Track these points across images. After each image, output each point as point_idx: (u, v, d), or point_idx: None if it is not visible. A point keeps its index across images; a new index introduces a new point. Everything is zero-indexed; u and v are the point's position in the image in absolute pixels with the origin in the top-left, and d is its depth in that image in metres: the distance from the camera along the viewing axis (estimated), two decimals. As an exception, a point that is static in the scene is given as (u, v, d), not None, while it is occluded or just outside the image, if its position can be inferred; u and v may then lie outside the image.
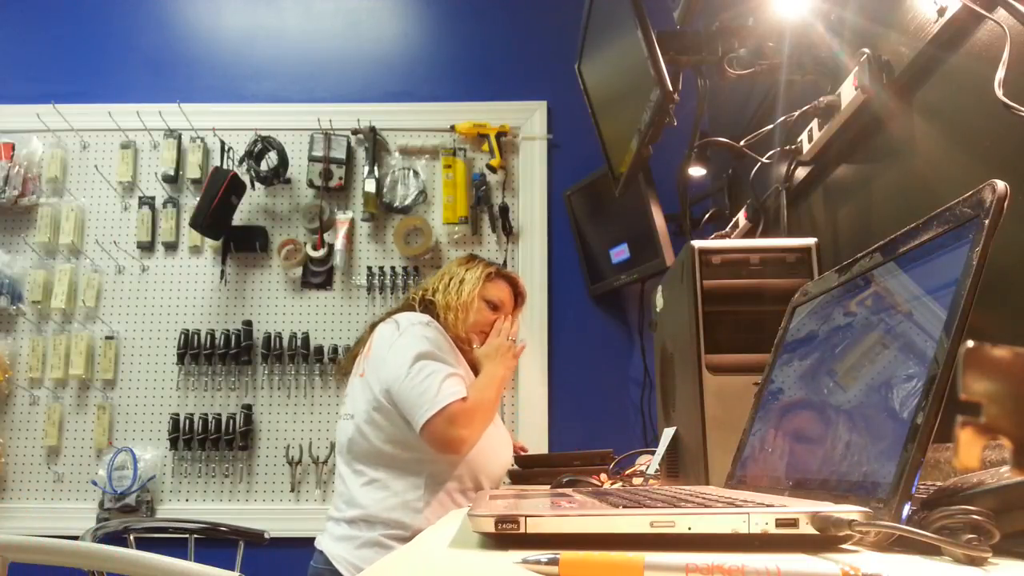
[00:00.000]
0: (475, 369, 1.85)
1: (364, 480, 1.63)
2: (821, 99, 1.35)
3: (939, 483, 0.56)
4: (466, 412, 1.55)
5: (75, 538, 1.41)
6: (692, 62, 1.44)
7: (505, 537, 0.51)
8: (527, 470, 1.77)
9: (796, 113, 1.45)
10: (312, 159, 2.69)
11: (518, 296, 1.86)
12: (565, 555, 0.43)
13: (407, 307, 1.81)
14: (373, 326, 1.80)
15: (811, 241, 1.10)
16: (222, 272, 2.67)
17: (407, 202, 2.69)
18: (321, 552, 1.64)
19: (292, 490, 2.56)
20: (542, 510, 0.52)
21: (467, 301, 1.75)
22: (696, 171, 2.19)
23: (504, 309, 1.82)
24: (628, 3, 1.36)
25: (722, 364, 1.05)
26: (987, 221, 0.50)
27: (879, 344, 0.62)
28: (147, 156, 2.76)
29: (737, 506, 0.51)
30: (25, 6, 2.86)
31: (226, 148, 2.67)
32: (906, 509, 0.48)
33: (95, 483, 2.54)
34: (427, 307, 1.77)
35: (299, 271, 2.68)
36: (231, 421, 2.58)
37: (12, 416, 2.61)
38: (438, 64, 2.84)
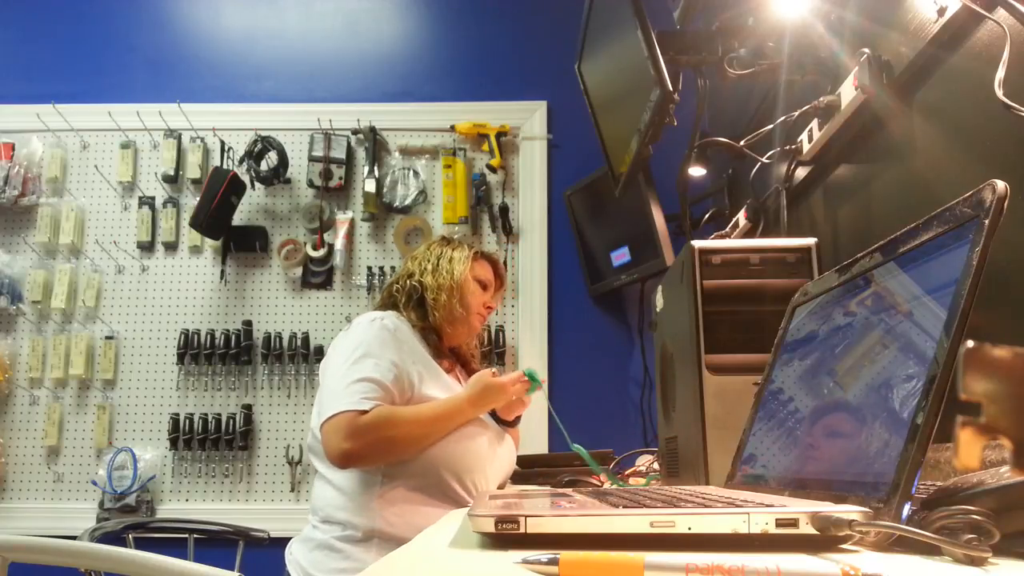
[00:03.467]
0: (464, 363, 1.80)
1: (322, 481, 1.56)
2: (821, 99, 1.35)
3: (939, 483, 0.56)
4: (358, 425, 1.41)
5: (75, 538, 1.41)
6: (692, 62, 1.44)
7: (505, 537, 0.51)
8: (527, 470, 1.77)
9: (796, 113, 1.45)
10: (312, 159, 2.69)
11: (498, 278, 1.79)
12: (565, 555, 0.43)
13: (387, 300, 1.73)
14: None
15: (811, 241, 1.10)
16: (222, 272, 2.68)
17: (407, 202, 2.69)
18: (288, 552, 1.57)
19: (292, 490, 2.56)
20: (542, 510, 0.52)
21: (461, 281, 1.66)
22: (696, 171, 2.19)
23: (490, 289, 1.75)
24: (628, 3, 1.36)
25: (722, 364, 1.05)
26: (987, 221, 0.50)
27: (879, 344, 0.62)
28: (147, 156, 2.76)
29: (737, 506, 0.51)
30: (25, 6, 2.86)
31: (226, 148, 2.67)
32: (906, 509, 0.48)
33: (95, 483, 2.54)
34: (412, 290, 1.68)
35: (299, 271, 2.68)
36: (231, 421, 2.58)
37: (12, 416, 2.61)
38: (438, 64, 2.84)
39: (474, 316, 1.70)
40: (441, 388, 1.58)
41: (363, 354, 1.50)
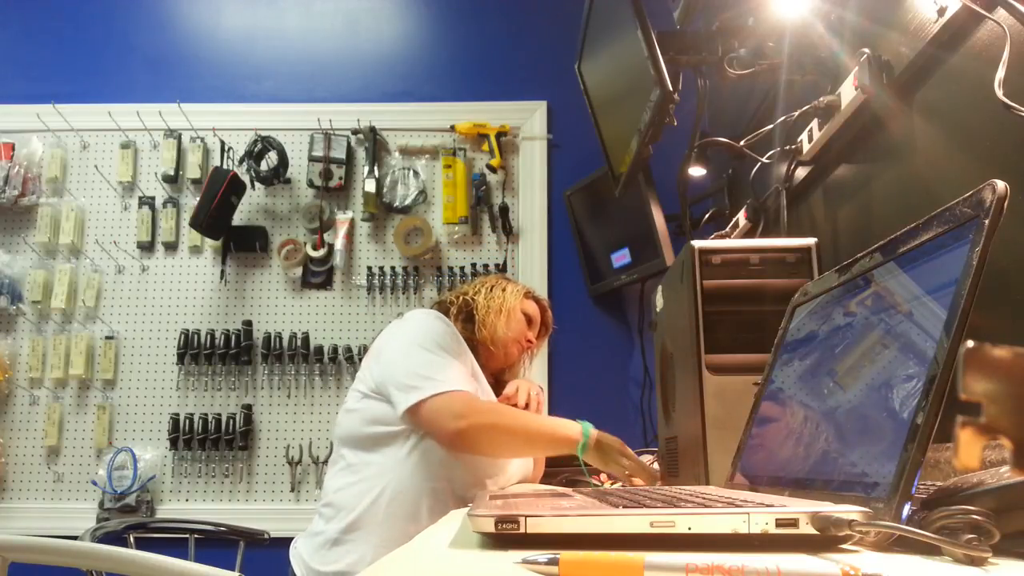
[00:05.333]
0: (492, 381, 1.82)
1: (341, 464, 1.55)
2: (821, 99, 1.35)
3: (939, 483, 0.56)
4: (476, 406, 1.44)
5: (75, 538, 1.41)
6: (692, 62, 1.44)
7: (505, 537, 0.51)
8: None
9: (796, 113, 1.45)
10: (312, 159, 2.69)
11: (543, 324, 1.85)
12: (565, 555, 0.43)
13: (441, 308, 1.75)
14: None
15: (811, 241, 1.10)
16: (222, 272, 2.68)
17: (407, 202, 2.69)
18: (293, 547, 1.56)
19: (292, 490, 2.56)
20: (542, 510, 0.52)
21: (510, 307, 1.73)
22: (696, 171, 2.19)
23: (534, 328, 1.81)
24: (628, 3, 1.36)
25: (722, 364, 1.05)
26: (987, 221, 0.50)
27: (879, 344, 0.62)
28: (147, 156, 2.76)
29: (737, 506, 0.51)
30: (25, 6, 2.86)
31: (226, 148, 2.67)
32: (906, 509, 0.48)
33: (95, 483, 2.54)
34: (464, 305, 1.73)
35: (299, 271, 2.68)
36: (231, 421, 2.58)
37: (12, 416, 2.61)
38: (438, 64, 2.84)
39: (514, 343, 1.73)
40: (480, 392, 1.60)
41: (443, 344, 1.54)
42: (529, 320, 1.78)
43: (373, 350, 1.63)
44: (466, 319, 1.71)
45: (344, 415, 1.59)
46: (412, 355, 1.51)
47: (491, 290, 1.76)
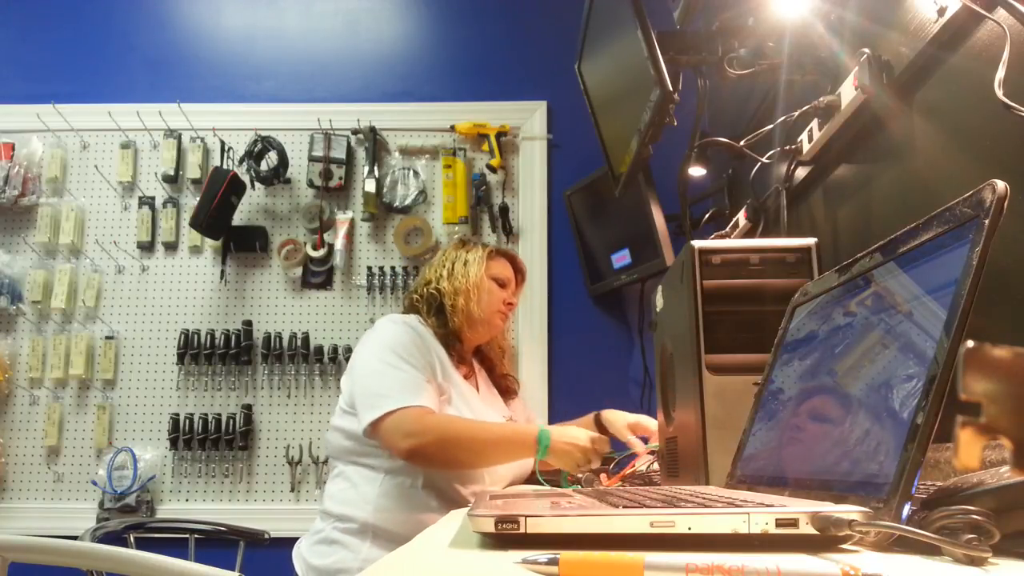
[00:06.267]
0: (491, 369, 1.82)
1: (335, 473, 1.60)
2: (821, 99, 1.35)
3: (939, 483, 0.56)
4: (427, 422, 1.44)
5: (75, 538, 1.41)
6: (692, 62, 1.44)
7: (505, 537, 0.51)
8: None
9: (796, 113, 1.45)
10: (312, 159, 2.69)
11: (518, 272, 1.81)
12: (565, 555, 0.43)
13: (410, 306, 1.75)
14: None
15: (811, 241, 1.10)
16: (222, 272, 2.67)
17: (407, 202, 2.68)
18: (296, 548, 1.61)
19: (292, 490, 2.56)
20: (542, 510, 0.52)
21: (477, 281, 1.68)
22: (696, 171, 2.19)
23: (509, 286, 1.76)
24: (628, 3, 1.36)
25: (722, 364, 1.05)
26: (987, 221, 0.50)
27: (879, 344, 0.62)
28: (147, 156, 2.76)
29: (737, 506, 0.51)
30: (25, 6, 2.86)
31: (226, 148, 2.67)
32: (906, 509, 0.48)
33: (95, 483, 2.54)
34: (431, 298, 1.70)
35: (299, 271, 2.68)
36: (231, 421, 2.58)
37: (12, 416, 2.61)
38: (438, 64, 2.84)
39: (494, 315, 1.71)
40: (458, 396, 1.60)
41: (403, 354, 1.52)
42: (502, 283, 1.74)
43: (349, 363, 1.65)
44: (438, 311, 1.69)
45: (331, 432, 1.63)
46: (370, 371, 1.52)
47: (452, 270, 1.71)
